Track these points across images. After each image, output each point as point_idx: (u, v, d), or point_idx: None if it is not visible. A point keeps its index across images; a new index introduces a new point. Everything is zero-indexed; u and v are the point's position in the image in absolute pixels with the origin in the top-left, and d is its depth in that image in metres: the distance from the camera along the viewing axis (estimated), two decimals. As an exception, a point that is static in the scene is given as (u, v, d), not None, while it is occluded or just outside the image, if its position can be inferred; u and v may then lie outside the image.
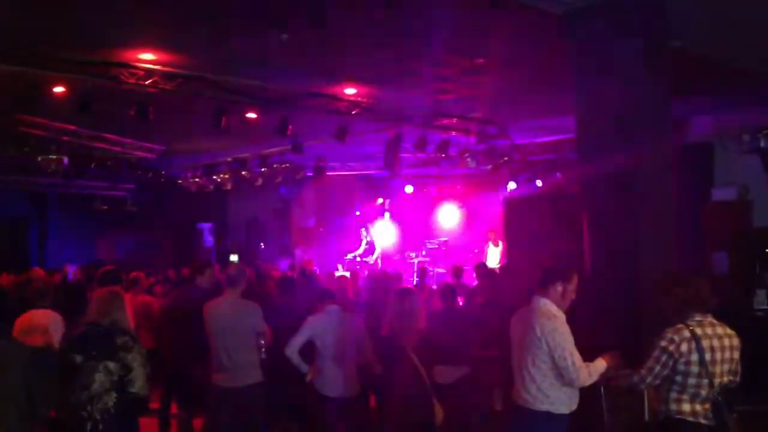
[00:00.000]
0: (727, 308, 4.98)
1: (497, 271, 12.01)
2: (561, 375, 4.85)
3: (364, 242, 19.98)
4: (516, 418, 5.09)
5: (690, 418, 4.65)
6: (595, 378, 4.94)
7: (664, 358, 4.64)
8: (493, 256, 17.27)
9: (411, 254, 19.72)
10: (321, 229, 21.42)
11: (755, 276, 10.29)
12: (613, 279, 6.49)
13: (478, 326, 7.82)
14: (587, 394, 5.09)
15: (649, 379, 4.74)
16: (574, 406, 5.00)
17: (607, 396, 5.44)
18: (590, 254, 6.82)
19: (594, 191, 6.87)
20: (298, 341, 6.53)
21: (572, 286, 5.09)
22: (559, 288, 5.04)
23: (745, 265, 10.58)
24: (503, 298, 8.05)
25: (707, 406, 4.64)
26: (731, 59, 9.15)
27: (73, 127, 14.01)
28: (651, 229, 6.50)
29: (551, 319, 4.92)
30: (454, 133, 13.88)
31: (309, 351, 6.64)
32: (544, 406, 4.91)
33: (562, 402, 4.94)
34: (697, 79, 9.45)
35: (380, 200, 21.13)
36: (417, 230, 20.61)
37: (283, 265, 17.38)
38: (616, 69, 6.64)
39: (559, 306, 5.05)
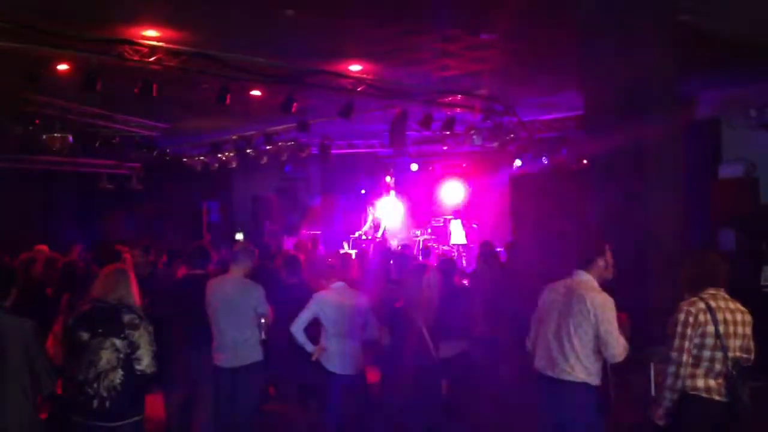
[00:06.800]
0: (733, 285, 4.96)
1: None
2: (602, 348, 4.94)
3: (369, 220, 20.00)
4: (549, 390, 5.11)
5: (704, 394, 4.63)
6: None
7: (689, 331, 4.62)
8: (457, 233, 18.30)
9: (416, 232, 19.73)
10: (327, 208, 21.42)
11: (762, 252, 10.27)
12: (620, 256, 6.47)
13: (485, 306, 7.84)
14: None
15: (684, 358, 4.64)
16: (599, 380, 5.09)
17: (614, 371, 5.44)
18: (597, 232, 6.80)
19: (601, 168, 6.84)
20: (303, 319, 6.54)
21: (609, 257, 5.20)
22: (601, 263, 5.16)
23: (751, 242, 10.55)
24: (509, 278, 8.06)
25: (721, 381, 4.62)
26: (738, 34, 9.07)
27: (77, 106, 13.99)
28: (658, 206, 6.48)
29: (600, 293, 5.03)
30: (459, 110, 13.82)
31: (316, 332, 6.66)
32: (582, 377, 4.98)
33: (597, 374, 5.05)
34: (704, 54, 9.37)
35: (388, 178, 21.11)
36: (422, 208, 20.60)
37: (288, 243, 17.39)
38: (623, 44, 6.59)
39: (602, 280, 5.14)
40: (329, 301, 6.59)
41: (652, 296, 6.23)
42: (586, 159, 8.04)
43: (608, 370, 5.24)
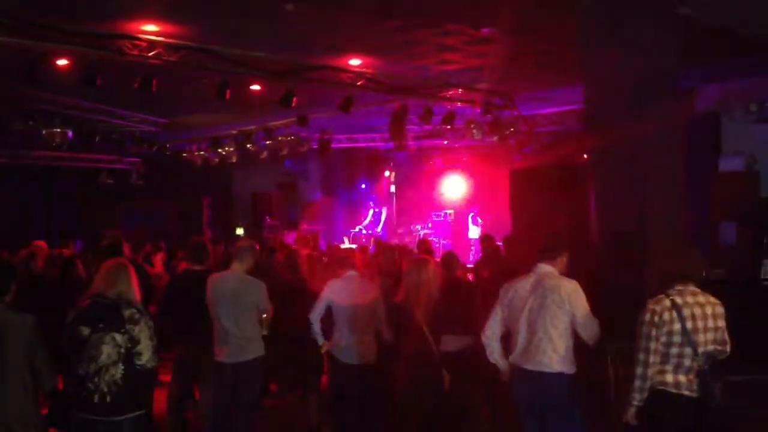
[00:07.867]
0: (734, 278, 4.92)
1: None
2: (580, 332, 4.95)
3: (370, 214, 20.00)
4: (527, 382, 5.09)
5: (672, 390, 4.54)
6: None
7: (654, 332, 4.53)
8: (473, 227, 18.67)
9: (416, 226, 19.72)
10: (327, 202, 21.42)
11: (762, 246, 10.26)
12: (620, 250, 6.47)
13: (487, 299, 7.82)
14: (594, 363, 5.10)
15: (651, 359, 4.56)
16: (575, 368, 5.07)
17: (614, 365, 5.44)
18: (597, 225, 6.80)
19: (601, 162, 6.84)
20: (319, 307, 6.57)
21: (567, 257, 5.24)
22: (565, 258, 5.17)
23: (752, 236, 10.54)
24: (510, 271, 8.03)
25: (691, 377, 4.53)
26: (739, 27, 9.06)
27: (77, 101, 13.97)
28: (658, 200, 6.47)
29: (570, 281, 5.04)
30: (459, 104, 13.81)
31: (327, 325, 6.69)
32: (559, 367, 4.97)
33: (573, 362, 5.03)
34: (704, 48, 9.36)
35: (388, 173, 21.10)
36: (422, 202, 20.59)
37: (289, 238, 17.39)
38: (623, 38, 6.58)
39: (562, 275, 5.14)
40: (340, 289, 6.60)
41: (652, 290, 6.21)
42: (586, 153, 8.03)
43: (608, 365, 5.24)
